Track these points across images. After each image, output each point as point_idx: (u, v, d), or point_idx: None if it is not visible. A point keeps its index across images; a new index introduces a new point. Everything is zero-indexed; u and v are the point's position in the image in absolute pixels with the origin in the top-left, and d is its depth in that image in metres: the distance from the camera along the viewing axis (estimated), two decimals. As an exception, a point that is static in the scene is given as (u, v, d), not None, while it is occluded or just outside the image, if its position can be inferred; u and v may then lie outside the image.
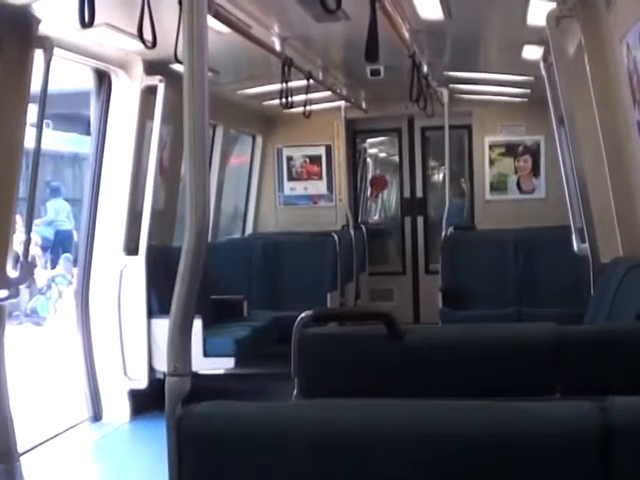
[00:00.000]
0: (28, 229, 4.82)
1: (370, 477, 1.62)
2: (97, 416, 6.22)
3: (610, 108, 4.46)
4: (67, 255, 13.14)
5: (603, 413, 1.55)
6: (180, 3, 3.24)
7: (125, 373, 6.22)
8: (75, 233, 13.53)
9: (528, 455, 1.55)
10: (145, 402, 6.14)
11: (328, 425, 1.67)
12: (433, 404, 1.70)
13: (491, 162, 9.46)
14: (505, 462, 1.56)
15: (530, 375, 2.63)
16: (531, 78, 7.17)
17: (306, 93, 6.52)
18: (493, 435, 1.58)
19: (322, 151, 9.72)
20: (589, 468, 1.52)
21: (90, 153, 6.39)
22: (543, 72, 5.48)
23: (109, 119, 6.22)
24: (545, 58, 5.47)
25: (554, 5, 4.65)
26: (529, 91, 8.11)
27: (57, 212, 14.36)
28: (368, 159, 10.85)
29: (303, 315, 2.64)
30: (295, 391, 2.68)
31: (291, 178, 9.79)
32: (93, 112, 6.33)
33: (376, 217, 10.81)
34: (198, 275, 1.85)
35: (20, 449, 4.91)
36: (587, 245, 4.77)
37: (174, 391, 1.82)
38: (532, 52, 6.13)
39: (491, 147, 9.45)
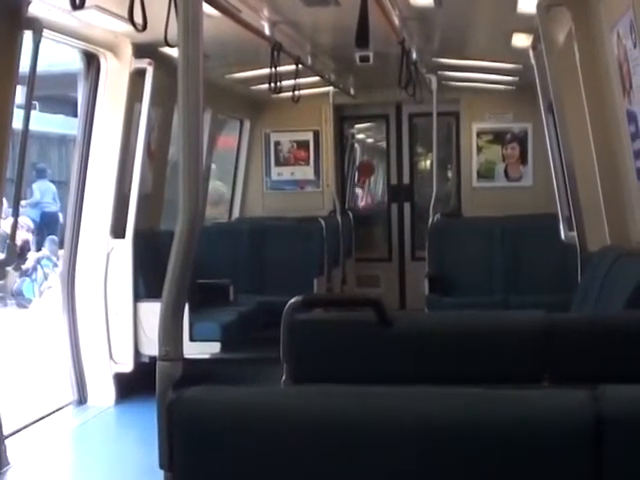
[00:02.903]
0: (15, 211, 4.80)
1: (359, 463, 1.63)
2: (82, 399, 6.21)
3: (599, 97, 4.47)
4: (52, 237, 13.07)
5: (595, 402, 1.55)
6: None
7: (111, 357, 6.21)
8: (61, 215, 13.46)
9: (521, 443, 1.55)
10: (130, 386, 6.14)
11: (321, 411, 1.67)
12: (422, 391, 1.71)
13: (479, 149, 9.46)
14: (496, 450, 1.56)
15: (519, 363, 2.65)
16: (520, 66, 7.18)
17: (295, 78, 6.50)
18: (483, 424, 1.58)
19: (310, 136, 9.69)
20: (581, 457, 1.53)
21: (77, 135, 6.35)
22: (532, 60, 5.48)
23: (97, 101, 6.19)
24: (534, 46, 5.48)
25: (545, -7, 4.65)
26: (517, 79, 8.12)
27: (43, 194, 14.29)
28: (356, 145, 10.84)
29: (293, 301, 2.65)
30: (284, 376, 2.68)
31: (278, 163, 9.76)
32: (81, 94, 6.29)
33: (363, 203, 10.81)
34: (190, 259, 1.84)
35: (5, 432, 4.91)
36: (574, 233, 4.79)
37: (165, 376, 1.82)
38: (521, 40, 6.13)
39: (479, 134, 9.45)
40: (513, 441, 1.55)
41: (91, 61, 6.15)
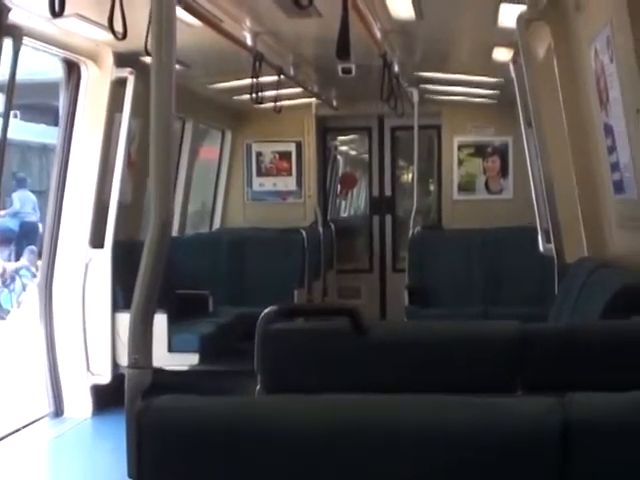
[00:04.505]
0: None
1: (331, 472, 1.62)
2: (58, 411, 6.16)
3: (577, 110, 4.51)
4: (32, 247, 12.99)
5: (563, 409, 1.56)
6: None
7: (88, 368, 6.17)
8: (40, 225, 13.38)
9: (489, 449, 1.55)
10: (108, 397, 6.09)
11: (289, 420, 1.66)
12: (394, 399, 1.70)
13: (460, 162, 9.51)
14: (464, 456, 1.56)
15: (493, 372, 2.65)
16: (501, 80, 7.23)
17: (277, 89, 6.50)
18: (451, 430, 1.58)
19: (292, 147, 9.70)
20: (548, 463, 1.54)
21: (57, 144, 6.32)
22: (513, 74, 5.52)
23: (77, 110, 6.17)
24: (515, 60, 5.51)
25: (524, 8, 4.68)
26: (498, 92, 8.18)
27: (23, 203, 14.21)
28: (338, 157, 10.87)
29: (267, 310, 2.64)
30: (258, 387, 2.67)
31: (260, 174, 9.76)
32: (62, 103, 6.27)
33: (345, 215, 10.83)
34: (160, 267, 1.84)
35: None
36: (552, 245, 4.82)
37: (134, 384, 1.81)
38: (502, 54, 6.18)
39: (460, 147, 9.51)
40: (481, 446, 1.56)
41: (72, 69, 6.13)
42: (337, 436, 1.63)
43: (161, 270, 1.84)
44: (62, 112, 6.26)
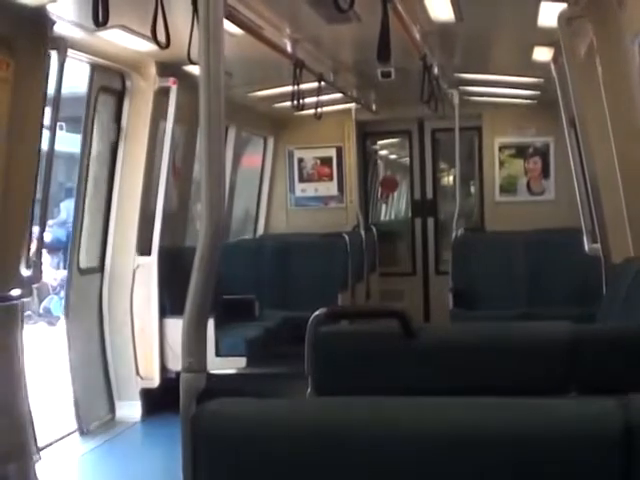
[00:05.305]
0: (41, 229, 4.86)
1: (385, 475, 1.63)
2: (110, 414, 6.25)
3: (622, 108, 4.46)
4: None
5: (624, 410, 1.55)
6: (195, 5, 3.28)
7: (137, 372, 6.25)
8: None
9: (548, 453, 1.55)
10: (157, 401, 6.17)
11: (343, 422, 1.67)
12: (448, 402, 1.69)
13: (501, 164, 9.45)
14: (523, 460, 1.56)
15: (545, 374, 2.63)
16: (541, 80, 7.17)
17: (317, 95, 6.53)
18: (511, 433, 1.57)
19: (333, 153, 9.73)
20: (610, 465, 1.53)
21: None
22: (554, 73, 5.47)
23: (122, 120, 6.26)
24: (556, 59, 5.47)
25: (565, 6, 4.65)
26: (539, 93, 8.11)
27: (69, 213, 14.40)
28: (379, 161, 10.86)
29: (317, 313, 2.65)
30: (309, 389, 2.69)
31: (302, 180, 9.81)
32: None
33: (386, 218, 10.82)
34: (213, 271, 1.86)
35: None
36: (598, 245, 4.77)
37: (189, 388, 1.83)
38: (542, 54, 6.13)
39: (501, 149, 9.45)
40: (542, 448, 1.55)
41: (116, 80, 6.21)
42: (391, 438, 1.63)
43: (214, 275, 1.86)
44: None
